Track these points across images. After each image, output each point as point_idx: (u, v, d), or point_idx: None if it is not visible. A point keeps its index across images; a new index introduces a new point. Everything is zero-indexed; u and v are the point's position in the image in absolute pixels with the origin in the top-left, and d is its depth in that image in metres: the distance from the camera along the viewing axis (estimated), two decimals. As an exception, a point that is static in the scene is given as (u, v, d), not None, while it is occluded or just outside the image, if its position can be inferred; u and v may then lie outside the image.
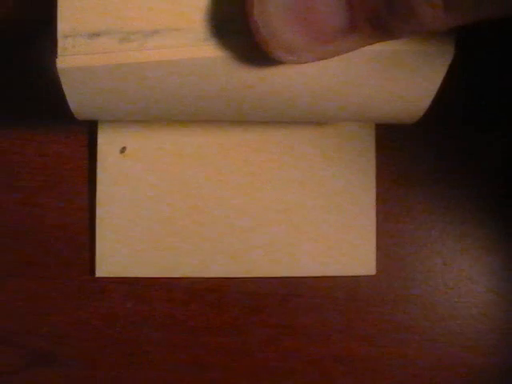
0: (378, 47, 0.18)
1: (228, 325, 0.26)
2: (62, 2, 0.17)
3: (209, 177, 0.26)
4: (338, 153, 0.26)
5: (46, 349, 0.26)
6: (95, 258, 0.25)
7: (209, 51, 0.18)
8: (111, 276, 0.26)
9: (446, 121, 0.27)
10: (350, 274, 0.26)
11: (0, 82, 0.26)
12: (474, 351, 0.27)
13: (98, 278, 0.26)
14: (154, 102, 0.20)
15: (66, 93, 0.19)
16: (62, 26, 0.18)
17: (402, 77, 0.20)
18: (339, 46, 0.17)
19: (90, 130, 0.26)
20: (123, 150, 0.25)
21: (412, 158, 0.27)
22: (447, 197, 0.27)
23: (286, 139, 0.26)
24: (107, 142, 0.26)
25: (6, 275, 0.26)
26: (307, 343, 0.26)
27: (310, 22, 0.17)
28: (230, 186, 0.26)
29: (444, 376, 0.27)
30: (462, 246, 0.27)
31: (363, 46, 0.18)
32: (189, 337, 0.26)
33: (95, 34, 0.18)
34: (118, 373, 0.26)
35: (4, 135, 0.26)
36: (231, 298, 0.26)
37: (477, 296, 0.27)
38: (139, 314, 0.26)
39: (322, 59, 0.18)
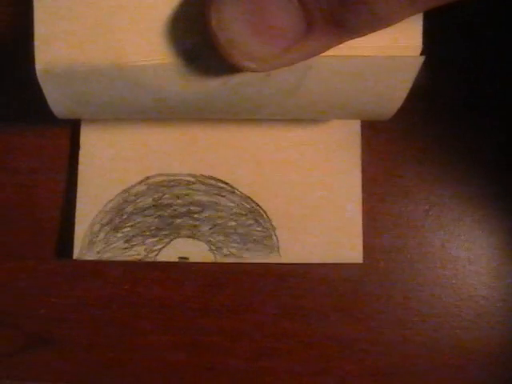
0: (350, 53, 0.18)
1: (225, 306, 0.26)
2: (38, 37, 0.18)
3: (192, 167, 0.26)
4: (324, 145, 0.26)
5: (43, 330, 0.26)
6: (73, 242, 0.25)
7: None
8: (88, 259, 0.25)
9: (442, 102, 0.27)
10: (338, 262, 0.26)
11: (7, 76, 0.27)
12: (473, 333, 0.27)
13: (97, 259, 0.26)
14: (131, 108, 0.21)
15: (45, 95, 0.20)
16: (40, 57, 0.19)
17: (374, 83, 0.20)
18: (300, 50, 0.17)
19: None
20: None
21: (409, 140, 0.27)
22: (445, 178, 0.27)
23: (274, 130, 0.26)
24: (89, 128, 0.26)
25: (2, 257, 0.26)
26: (305, 324, 0.26)
27: (268, 30, 0.17)
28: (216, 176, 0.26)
29: (442, 358, 0.26)
30: (459, 228, 0.27)
31: (326, 49, 0.18)
32: (186, 318, 0.26)
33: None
34: (115, 354, 0.26)
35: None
36: (228, 280, 0.26)
37: (475, 278, 0.27)
38: (136, 295, 0.26)
39: (285, 66, 0.18)
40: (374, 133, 0.27)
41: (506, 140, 0.27)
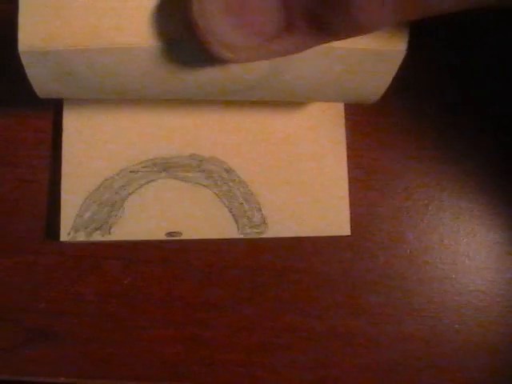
0: (337, 45, 0.19)
1: (225, 300, 0.26)
2: (22, 18, 0.18)
3: (178, 148, 0.26)
4: (310, 124, 0.27)
5: (43, 325, 0.26)
6: (60, 225, 0.25)
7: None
8: (75, 241, 0.25)
9: (442, 99, 0.27)
10: (326, 235, 0.26)
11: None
12: (472, 327, 0.27)
13: (96, 253, 0.26)
14: (115, 89, 0.21)
15: (28, 75, 0.20)
16: (22, 39, 0.19)
17: (360, 73, 0.21)
18: (279, 46, 0.17)
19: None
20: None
21: (409, 136, 0.27)
22: (444, 173, 0.27)
23: (261, 111, 0.27)
24: (73, 112, 0.26)
25: (2, 251, 0.26)
26: (305, 319, 0.26)
27: (247, 22, 0.17)
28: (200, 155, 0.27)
29: (441, 352, 0.26)
30: (458, 223, 0.27)
31: (305, 49, 0.18)
32: (186, 312, 0.26)
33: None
34: (115, 349, 0.26)
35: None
36: (228, 274, 0.26)
37: (474, 272, 0.27)
38: (136, 290, 0.26)
39: (263, 59, 0.18)
40: (375, 130, 0.27)
41: (505, 136, 0.27)
